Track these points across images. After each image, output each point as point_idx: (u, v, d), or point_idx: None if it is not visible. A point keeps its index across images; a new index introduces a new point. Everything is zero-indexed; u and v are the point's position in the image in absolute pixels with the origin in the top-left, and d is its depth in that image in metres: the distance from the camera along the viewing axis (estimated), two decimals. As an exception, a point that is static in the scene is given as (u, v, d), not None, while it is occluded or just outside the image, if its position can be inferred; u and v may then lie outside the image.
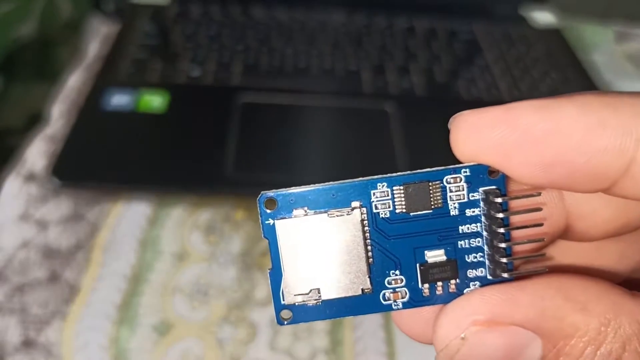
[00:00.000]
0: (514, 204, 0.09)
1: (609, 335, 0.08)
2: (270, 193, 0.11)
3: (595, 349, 0.08)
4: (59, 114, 0.36)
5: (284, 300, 0.10)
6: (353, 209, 0.10)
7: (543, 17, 0.48)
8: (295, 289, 0.10)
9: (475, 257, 0.10)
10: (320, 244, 0.10)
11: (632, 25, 0.51)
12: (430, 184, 0.10)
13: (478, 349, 0.08)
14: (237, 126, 0.33)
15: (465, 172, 0.10)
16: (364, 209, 0.10)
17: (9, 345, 0.25)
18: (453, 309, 0.09)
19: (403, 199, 0.10)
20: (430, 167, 0.11)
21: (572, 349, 0.08)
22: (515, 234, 0.09)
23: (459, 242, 0.10)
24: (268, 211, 0.11)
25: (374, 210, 0.10)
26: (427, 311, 0.10)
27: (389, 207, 0.10)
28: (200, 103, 0.35)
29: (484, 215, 0.10)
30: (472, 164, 0.10)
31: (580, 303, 0.08)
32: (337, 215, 0.10)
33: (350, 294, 0.10)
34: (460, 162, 0.10)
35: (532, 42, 0.44)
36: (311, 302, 0.10)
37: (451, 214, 0.10)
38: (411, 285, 0.10)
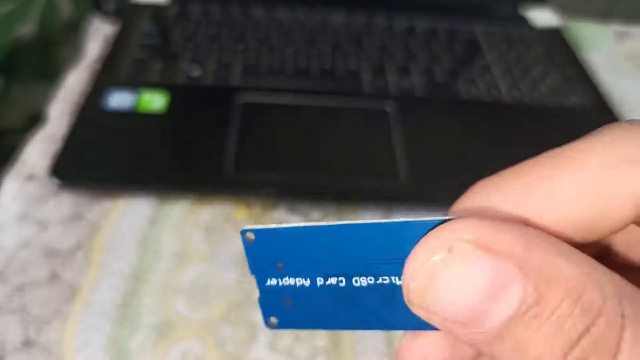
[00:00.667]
0: None
1: (589, 286, 0.07)
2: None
3: (575, 300, 0.07)
4: (58, 114, 0.36)
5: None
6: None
7: (543, 17, 0.48)
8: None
9: None
10: None
11: (632, 25, 0.51)
12: None
13: (462, 272, 0.07)
14: (237, 126, 0.33)
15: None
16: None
17: (9, 345, 0.25)
18: (440, 229, 0.08)
19: None
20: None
21: (553, 296, 0.07)
22: None
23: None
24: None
25: None
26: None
27: None
28: (200, 103, 0.35)
29: None
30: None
31: (565, 252, 0.08)
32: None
33: None
34: None
35: (532, 42, 0.44)
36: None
37: None
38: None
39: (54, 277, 0.27)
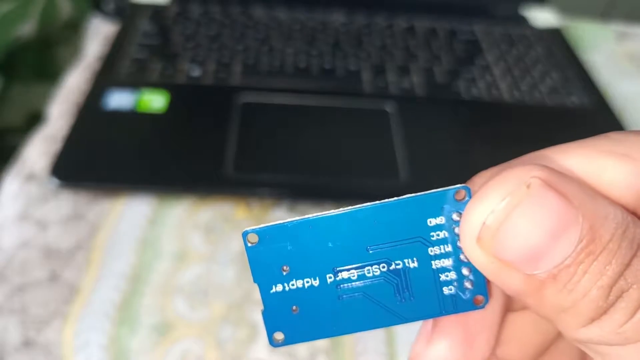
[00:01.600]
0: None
1: (631, 224, 0.08)
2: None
3: (622, 231, 0.08)
4: (58, 114, 0.36)
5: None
6: None
7: (543, 17, 0.48)
8: None
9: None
10: None
11: (632, 25, 0.51)
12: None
13: (537, 209, 0.08)
14: (237, 126, 0.33)
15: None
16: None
17: (8, 345, 0.25)
18: (509, 171, 0.08)
19: None
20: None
21: (605, 232, 0.08)
22: None
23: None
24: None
25: None
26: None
27: None
28: (200, 103, 0.35)
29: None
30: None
31: (608, 200, 0.09)
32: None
33: None
34: None
35: (532, 42, 0.44)
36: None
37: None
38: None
39: (53, 277, 0.27)
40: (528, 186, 0.08)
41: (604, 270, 0.08)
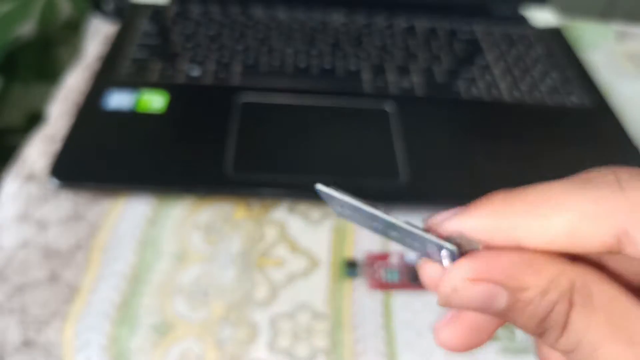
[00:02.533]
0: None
1: (551, 289, 0.12)
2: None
3: (541, 297, 0.12)
4: (58, 114, 0.36)
5: None
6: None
7: (543, 17, 0.48)
8: None
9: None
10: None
11: (632, 25, 0.51)
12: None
13: (466, 295, 0.13)
14: (237, 126, 0.33)
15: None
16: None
17: (8, 346, 0.25)
18: (450, 270, 0.13)
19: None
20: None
21: (526, 297, 0.12)
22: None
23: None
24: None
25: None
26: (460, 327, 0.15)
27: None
28: (200, 103, 0.35)
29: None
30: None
31: (535, 268, 0.12)
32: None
33: None
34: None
35: (532, 42, 0.44)
36: None
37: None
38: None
39: (53, 277, 0.27)
40: (455, 290, 0.13)
41: (532, 317, 0.12)
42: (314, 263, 0.28)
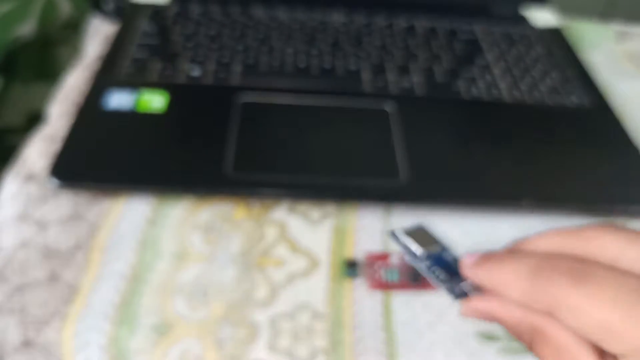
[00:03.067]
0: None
1: (522, 320, 0.19)
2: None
3: (515, 324, 0.20)
4: (58, 114, 0.36)
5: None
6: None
7: (543, 17, 0.48)
8: None
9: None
10: None
11: (632, 25, 0.51)
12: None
13: (472, 313, 0.21)
14: (237, 126, 0.33)
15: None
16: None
17: (8, 346, 0.25)
18: (466, 304, 0.21)
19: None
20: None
21: (506, 321, 0.20)
22: None
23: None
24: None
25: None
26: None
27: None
28: (200, 103, 0.35)
29: None
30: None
31: (508, 309, 0.20)
32: None
33: None
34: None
35: (532, 42, 0.44)
36: None
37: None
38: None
39: (53, 277, 0.27)
40: (464, 314, 0.21)
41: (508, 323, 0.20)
42: (314, 263, 0.28)
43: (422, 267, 0.22)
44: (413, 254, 0.23)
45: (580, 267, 0.18)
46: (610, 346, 0.17)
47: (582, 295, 0.17)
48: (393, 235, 0.24)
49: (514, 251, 0.20)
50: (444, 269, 0.22)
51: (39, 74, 0.39)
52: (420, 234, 0.24)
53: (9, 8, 0.40)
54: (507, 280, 0.19)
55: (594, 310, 0.16)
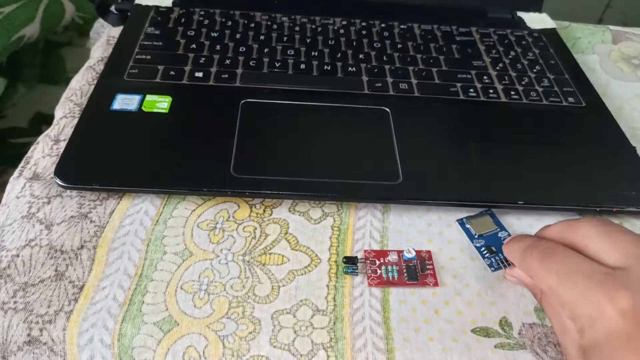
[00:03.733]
0: None
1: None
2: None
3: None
4: (62, 115, 0.36)
5: None
6: None
7: (540, 19, 0.48)
8: None
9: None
10: None
11: (627, 26, 0.52)
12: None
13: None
14: (239, 127, 0.34)
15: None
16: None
17: (13, 344, 0.25)
18: (505, 271, 0.28)
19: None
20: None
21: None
22: None
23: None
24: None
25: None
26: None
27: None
28: (202, 104, 0.36)
29: None
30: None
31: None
32: None
33: None
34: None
35: (529, 44, 0.45)
36: None
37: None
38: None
39: (58, 276, 0.27)
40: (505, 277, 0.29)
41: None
42: (314, 261, 0.29)
43: (476, 245, 0.30)
44: (471, 235, 0.30)
45: (550, 247, 0.24)
46: (561, 307, 0.23)
47: (544, 268, 0.23)
48: (460, 222, 0.31)
49: (533, 235, 0.27)
50: (495, 246, 0.29)
51: (44, 75, 0.39)
52: (481, 220, 0.31)
53: (13, 9, 0.40)
54: (513, 255, 0.26)
55: (549, 279, 0.23)
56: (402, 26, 0.45)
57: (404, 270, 0.28)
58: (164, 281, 0.27)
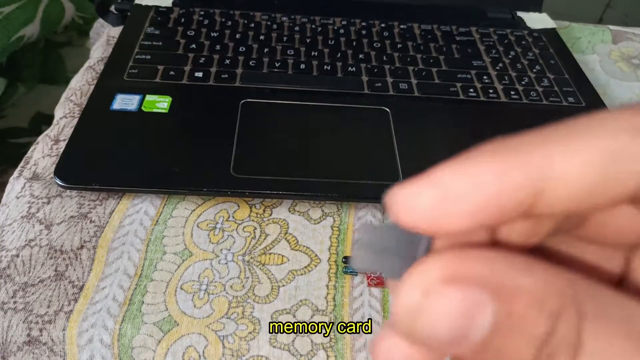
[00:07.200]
0: None
1: (549, 294, 0.08)
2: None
3: (538, 308, 0.08)
4: (62, 115, 0.36)
5: None
6: None
7: (540, 19, 0.48)
8: None
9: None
10: None
11: (628, 26, 0.52)
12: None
13: (439, 309, 0.09)
14: (239, 127, 0.34)
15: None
16: None
17: (12, 344, 0.25)
18: (414, 273, 0.09)
19: None
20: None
21: (519, 307, 0.08)
22: None
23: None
24: None
25: None
26: None
27: None
28: (202, 104, 0.36)
29: None
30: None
31: (523, 268, 0.09)
32: None
33: None
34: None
35: (529, 44, 0.45)
36: None
37: None
38: None
39: (58, 276, 0.27)
40: (427, 294, 0.09)
41: (528, 340, 0.08)
42: (314, 261, 0.29)
43: None
44: None
45: None
46: None
47: None
48: None
49: None
50: None
51: (43, 74, 0.39)
52: None
53: (13, 9, 0.40)
54: None
55: None
56: (402, 26, 0.45)
57: (404, 270, 0.28)
58: (164, 281, 0.27)
